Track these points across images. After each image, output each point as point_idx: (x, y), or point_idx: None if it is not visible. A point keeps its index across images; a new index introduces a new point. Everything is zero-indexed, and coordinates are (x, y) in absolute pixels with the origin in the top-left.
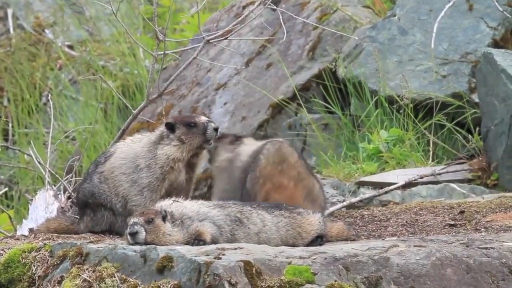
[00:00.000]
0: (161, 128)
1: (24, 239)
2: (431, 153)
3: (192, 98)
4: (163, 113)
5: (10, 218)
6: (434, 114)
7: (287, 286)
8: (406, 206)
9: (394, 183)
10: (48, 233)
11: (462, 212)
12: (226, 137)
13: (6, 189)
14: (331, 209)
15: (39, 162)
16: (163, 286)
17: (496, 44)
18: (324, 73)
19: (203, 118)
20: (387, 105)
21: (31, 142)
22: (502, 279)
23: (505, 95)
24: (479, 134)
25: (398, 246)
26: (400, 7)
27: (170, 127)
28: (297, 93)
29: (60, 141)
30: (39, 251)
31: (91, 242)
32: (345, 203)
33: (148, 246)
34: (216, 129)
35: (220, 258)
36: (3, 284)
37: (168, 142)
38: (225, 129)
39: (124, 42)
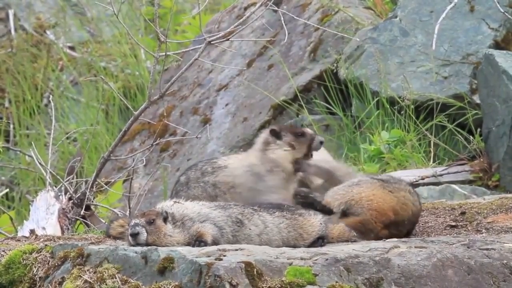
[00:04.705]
0: (264, 135)
1: (25, 240)
2: (432, 154)
3: (194, 99)
4: (165, 114)
5: (11, 219)
6: (435, 115)
7: (288, 287)
8: None
9: None
10: None
11: (463, 213)
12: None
13: (7, 190)
14: None
15: (40, 163)
16: (164, 287)
17: (497, 45)
18: (325, 74)
19: (310, 130)
20: (388, 106)
21: (32, 143)
22: (503, 280)
23: (506, 96)
24: (480, 135)
25: (399, 247)
26: (402, 8)
27: (275, 134)
28: (298, 94)
29: (61, 142)
30: (40, 252)
31: (92, 243)
32: None
33: (149, 247)
34: (321, 142)
35: (221, 259)
36: (4, 285)
37: (277, 147)
38: (227, 130)
39: (126, 43)
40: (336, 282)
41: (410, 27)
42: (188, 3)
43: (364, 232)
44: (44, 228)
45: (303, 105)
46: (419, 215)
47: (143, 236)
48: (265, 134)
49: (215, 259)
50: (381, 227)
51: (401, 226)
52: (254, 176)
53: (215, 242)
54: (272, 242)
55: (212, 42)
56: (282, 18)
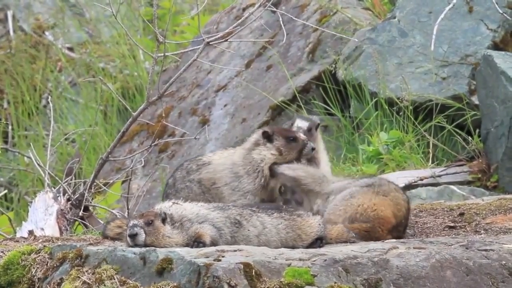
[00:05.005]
0: (256, 136)
1: (24, 241)
2: (431, 155)
3: (192, 100)
4: (163, 115)
5: (10, 220)
6: (434, 116)
7: None
8: None
9: None
10: None
11: (461, 214)
12: None
13: (6, 191)
14: None
15: (38, 164)
16: None
17: (496, 46)
18: (324, 75)
19: (302, 136)
20: (387, 107)
21: (31, 144)
22: (502, 281)
23: (504, 97)
24: (479, 136)
25: (398, 248)
26: (400, 9)
27: (267, 136)
28: (297, 95)
29: (60, 143)
30: (39, 253)
31: (90, 244)
32: None
33: (147, 248)
34: (313, 149)
35: (220, 260)
36: (3, 286)
37: (265, 150)
38: (225, 131)
39: (124, 44)
40: (335, 283)
41: (409, 28)
42: (187, 4)
43: (369, 239)
44: (42, 229)
45: (302, 106)
46: (410, 208)
47: (142, 237)
48: (257, 134)
49: (214, 260)
50: (386, 234)
51: (400, 227)
52: (232, 174)
53: (213, 243)
54: (270, 243)
55: (210, 43)
56: (280, 19)
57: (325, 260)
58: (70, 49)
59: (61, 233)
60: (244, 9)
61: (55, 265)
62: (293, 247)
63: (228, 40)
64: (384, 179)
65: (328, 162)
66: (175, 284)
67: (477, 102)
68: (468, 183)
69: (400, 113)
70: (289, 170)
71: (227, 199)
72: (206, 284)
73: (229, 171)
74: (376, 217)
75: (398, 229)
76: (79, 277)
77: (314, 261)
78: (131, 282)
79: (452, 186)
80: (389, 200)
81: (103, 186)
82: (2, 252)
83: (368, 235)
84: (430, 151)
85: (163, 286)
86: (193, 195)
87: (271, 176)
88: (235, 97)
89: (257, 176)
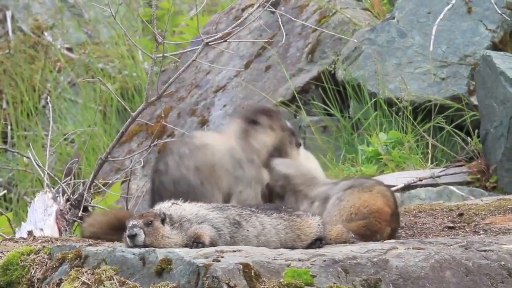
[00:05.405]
0: (238, 126)
1: (23, 242)
2: (430, 155)
3: (191, 101)
4: (162, 115)
5: (9, 220)
6: (433, 117)
7: None
8: (405, 208)
9: (393, 186)
10: None
11: (461, 214)
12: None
13: (5, 191)
14: None
15: (38, 165)
16: None
17: (495, 47)
18: (323, 75)
19: (270, 106)
20: (386, 108)
21: (30, 144)
22: (501, 281)
23: (504, 97)
24: (478, 137)
25: (397, 248)
26: (399, 9)
27: (252, 121)
28: (296, 96)
29: (59, 143)
30: (38, 253)
31: (90, 244)
32: None
33: (147, 248)
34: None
35: (219, 261)
36: (2, 287)
37: (260, 133)
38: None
39: (123, 45)
40: (334, 283)
41: (408, 28)
42: (186, 4)
43: (370, 235)
44: (42, 230)
45: (301, 106)
46: (396, 199)
47: (141, 237)
48: (238, 124)
49: (213, 261)
50: (385, 225)
51: (395, 216)
52: (234, 161)
53: (212, 244)
54: (270, 243)
55: (209, 43)
56: (279, 19)
57: (325, 261)
58: (69, 49)
59: (60, 233)
60: (243, 10)
61: (54, 266)
62: (292, 248)
63: (227, 40)
64: (361, 177)
65: (318, 166)
66: (174, 284)
67: (476, 103)
68: (467, 183)
69: (399, 114)
70: (282, 166)
71: (227, 184)
72: (205, 284)
73: (228, 156)
74: (370, 212)
75: (395, 218)
76: (78, 277)
77: (314, 261)
78: (130, 282)
79: (451, 187)
80: (375, 193)
81: (102, 187)
82: (1, 252)
83: (368, 231)
84: (429, 151)
85: (162, 287)
86: (191, 191)
87: (265, 166)
88: (234, 98)
89: (258, 162)
